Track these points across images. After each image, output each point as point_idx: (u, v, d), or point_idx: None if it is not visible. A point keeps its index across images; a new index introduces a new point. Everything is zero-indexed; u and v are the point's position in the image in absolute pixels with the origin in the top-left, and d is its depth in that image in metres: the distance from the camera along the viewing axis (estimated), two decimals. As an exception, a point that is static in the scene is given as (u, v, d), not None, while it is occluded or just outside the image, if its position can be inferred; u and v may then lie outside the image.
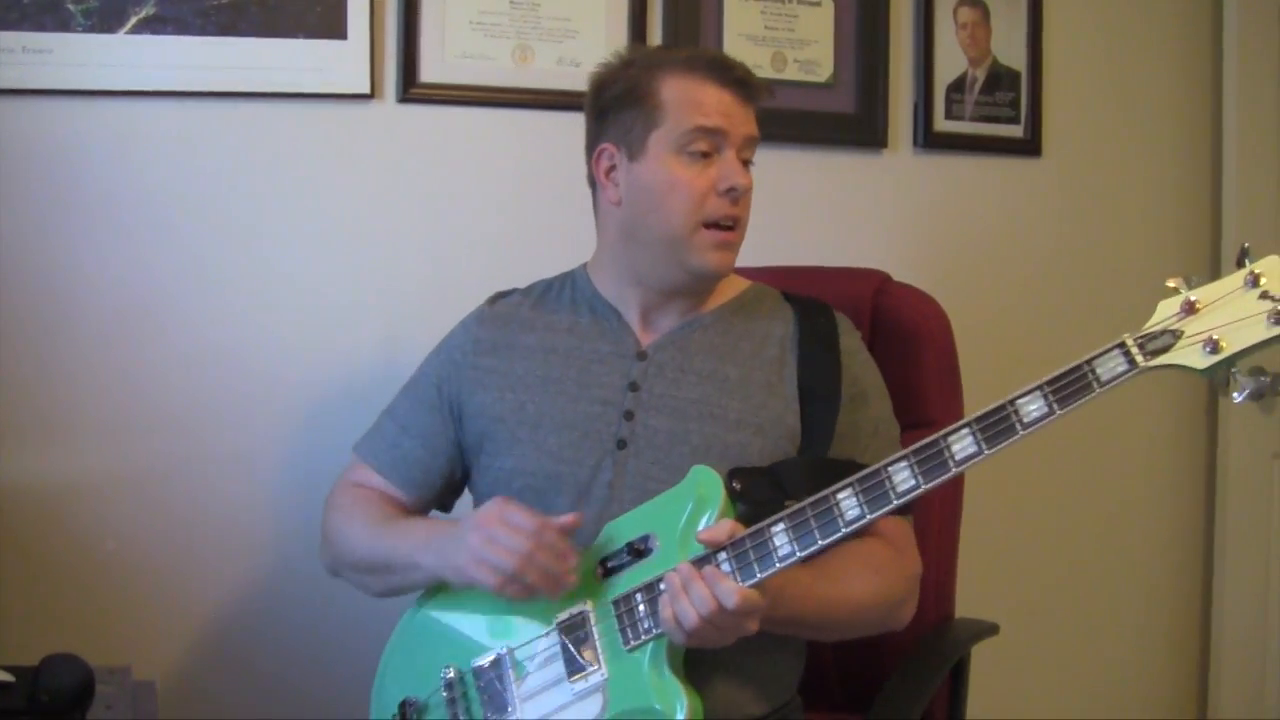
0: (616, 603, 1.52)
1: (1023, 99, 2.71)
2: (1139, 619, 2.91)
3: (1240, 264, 1.31)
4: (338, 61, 2.24)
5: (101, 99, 2.13)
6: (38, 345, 2.13)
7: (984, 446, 1.38)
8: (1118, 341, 1.34)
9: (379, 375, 2.25)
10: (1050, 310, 2.70)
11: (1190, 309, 1.31)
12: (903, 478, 1.41)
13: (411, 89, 2.29)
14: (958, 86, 2.66)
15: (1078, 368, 1.35)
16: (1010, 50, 2.70)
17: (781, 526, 1.45)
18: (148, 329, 2.18)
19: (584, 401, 1.70)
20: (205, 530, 2.22)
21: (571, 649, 1.54)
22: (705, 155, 1.66)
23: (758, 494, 1.58)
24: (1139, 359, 1.32)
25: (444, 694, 1.61)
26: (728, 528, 1.47)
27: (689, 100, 1.65)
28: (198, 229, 2.20)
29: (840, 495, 1.45)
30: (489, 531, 1.52)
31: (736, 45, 2.46)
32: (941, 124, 2.64)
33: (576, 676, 1.53)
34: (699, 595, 1.42)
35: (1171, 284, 1.34)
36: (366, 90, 2.26)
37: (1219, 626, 2.85)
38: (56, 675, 1.60)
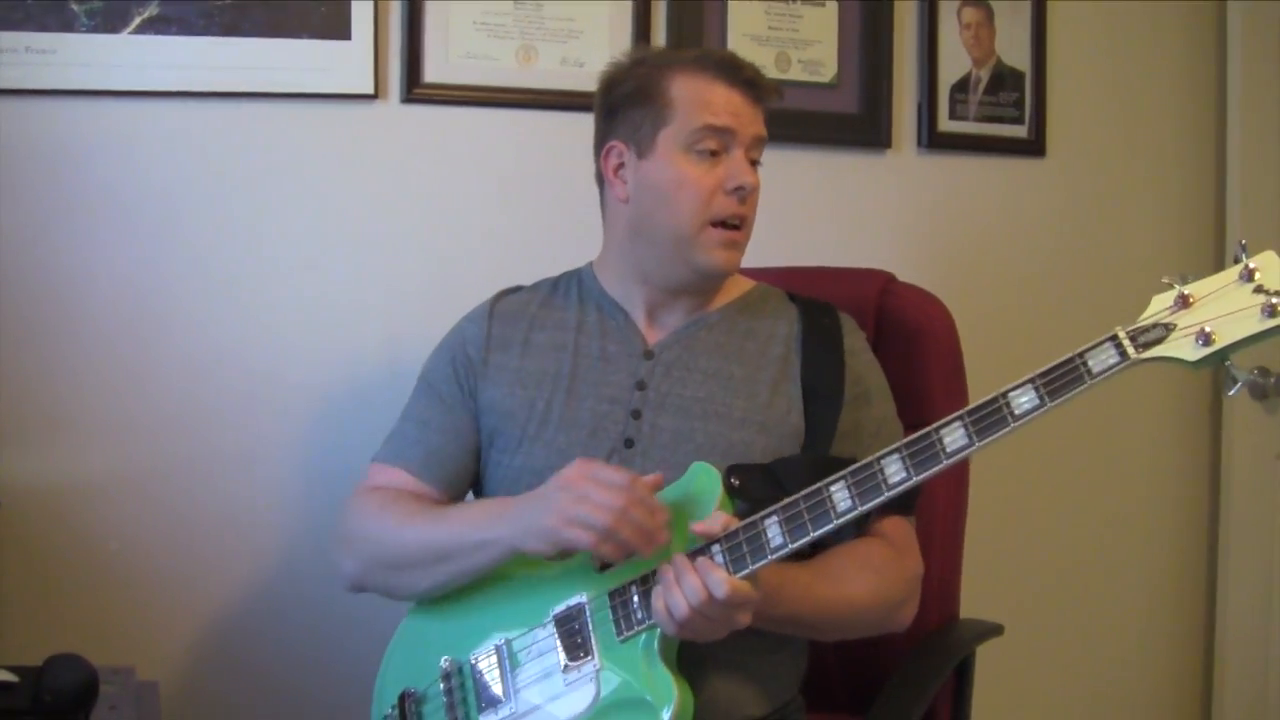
0: (612, 594, 1.53)
1: (1027, 99, 2.71)
2: (1143, 620, 2.90)
3: (1236, 259, 1.31)
4: (341, 62, 2.23)
5: (105, 99, 2.13)
6: (41, 345, 2.13)
7: (975, 439, 1.38)
8: (1109, 334, 1.34)
9: (382, 375, 2.25)
10: (1054, 310, 2.70)
11: (1184, 302, 1.32)
12: (894, 470, 1.42)
13: (415, 89, 2.29)
14: (962, 87, 2.65)
15: (1069, 360, 1.35)
16: (1014, 50, 2.70)
17: (774, 519, 1.46)
18: (151, 329, 2.18)
19: (593, 400, 1.71)
20: (209, 530, 2.21)
21: (566, 640, 1.54)
22: (713, 154, 1.67)
23: (756, 490, 1.58)
24: (1130, 351, 1.32)
25: (441, 685, 1.62)
26: (721, 520, 1.48)
27: (698, 99, 1.67)
28: (201, 229, 2.20)
29: (832, 488, 1.46)
30: (579, 490, 1.48)
31: (740, 45, 2.45)
32: (945, 124, 2.64)
33: (570, 667, 1.53)
34: (690, 585, 1.43)
35: (1166, 279, 1.34)
36: (370, 90, 2.26)
37: (1223, 627, 2.85)
38: (60, 676, 1.60)
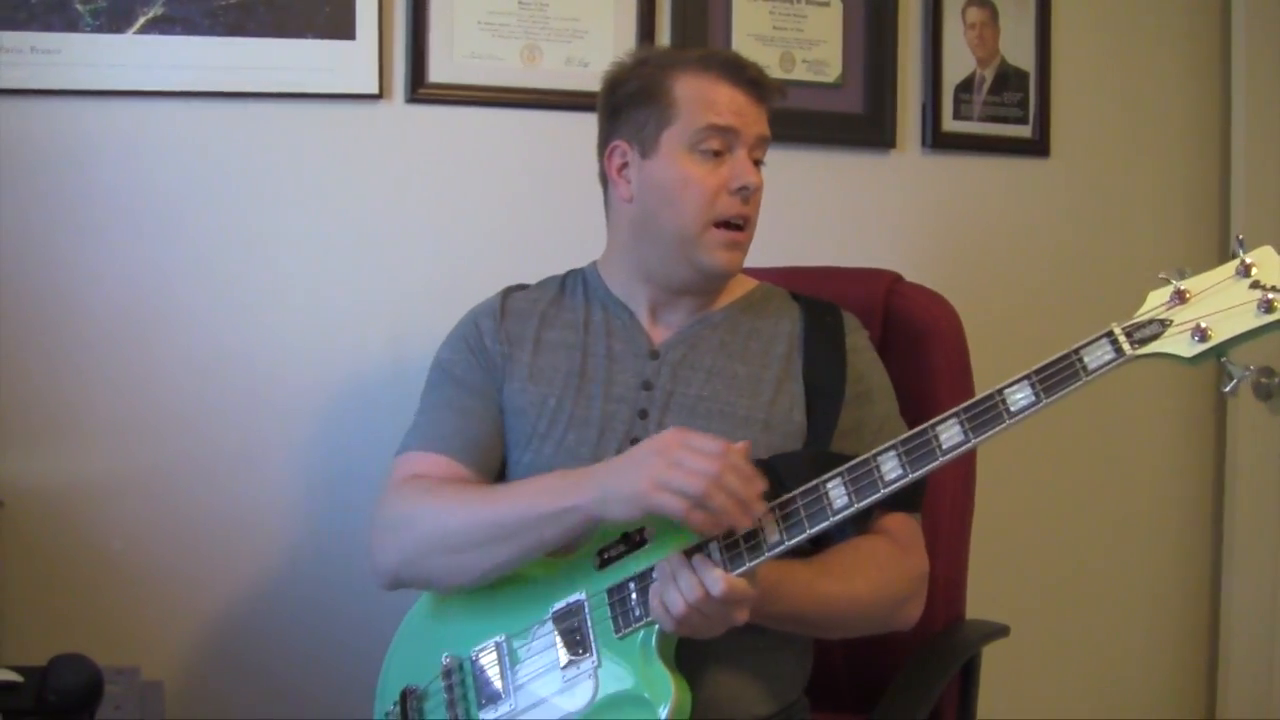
0: (610, 591, 1.53)
1: (1031, 99, 2.71)
2: (1148, 620, 2.90)
3: (1233, 254, 1.30)
4: (346, 62, 2.24)
5: (109, 99, 2.14)
6: (46, 345, 2.13)
7: (971, 435, 1.38)
8: (1105, 330, 1.34)
9: (387, 375, 2.25)
10: (1059, 310, 2.69)
11: (1180, 298, 1.32)
12: (890, 466, 1.42)
13: (420, 89, 2.29)
14: (966, 87, 2.65)
15: (1065, 356, 1.35)
16: (1019, 50, 2.70)
17: (771, 516, 1.46)
18: (156, 328, 2.18)
19: (602, 399, 1.71)
20: (213, 530, 2.22)
21: (566, 637, 1.55)
22: (717, 154, 1.67)
23: None
24: (1126, 347, 1.32)
25: (442, 682, 1.63)
26: None
27: (702, 99, 1.67)
28: (205, 229, 2.20)
29: (829, 485, 1.46)
30: (674, 455, 1.43)
31: (745, 45, 2.45)
32: (950, 124, 2.64)
33: (569, 663, 1.54)
34: (686, 582, 1.43)
35: (1163, 275, 1.33)
36: (375, 90, 2.26)
37: (1228, 628, 2.84)
38: (64, 676, 1.60)
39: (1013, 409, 1.36)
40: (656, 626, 1.49)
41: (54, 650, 1.67)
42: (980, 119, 2.67)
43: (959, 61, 2.65)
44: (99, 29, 2.11)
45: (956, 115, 2.64)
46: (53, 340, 2.13)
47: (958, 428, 1.39)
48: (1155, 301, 1.34)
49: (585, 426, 1.70)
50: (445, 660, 1.63)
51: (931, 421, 1.40)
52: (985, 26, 2.67)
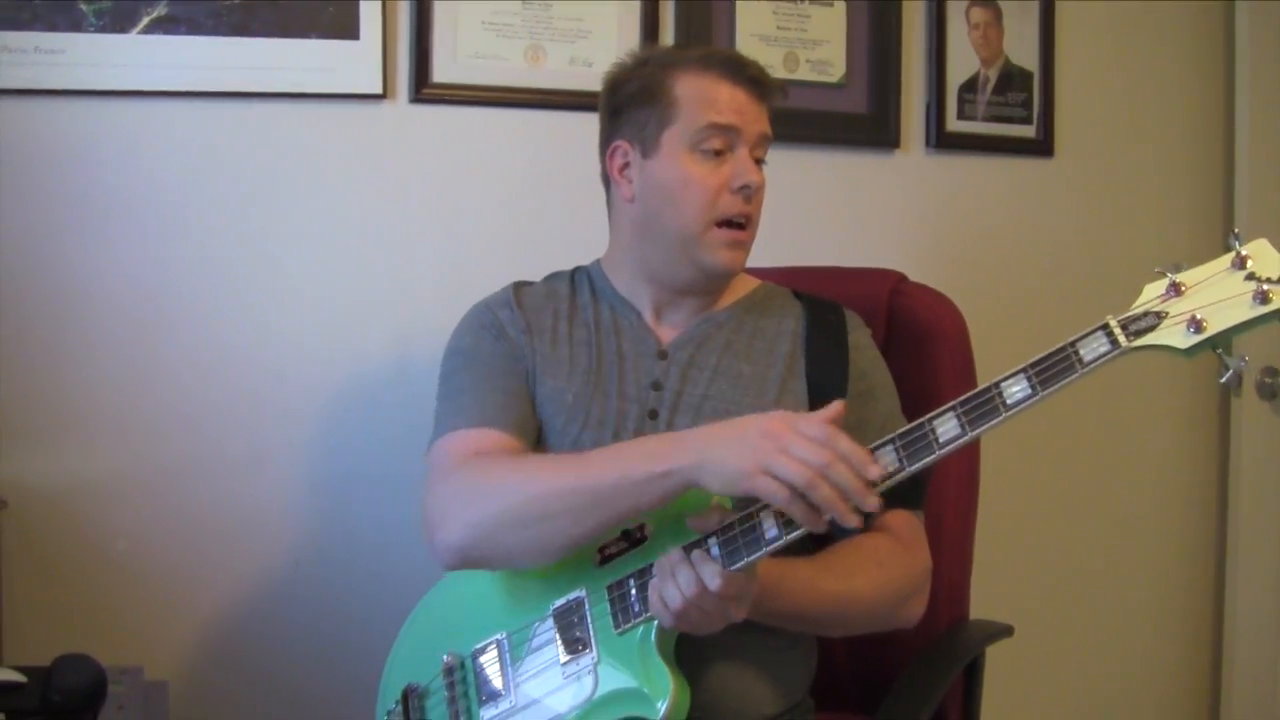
0: (610, 588, 1.53)
1: (1035, 99, 2.71)
2: (1152, 621, 2.90)
3: (1229, 246, 1.31)
4: (350, 62, 2.24)
5: (113, 99, 2.14)
6: (50, 345, 2.13)
7: (967, 428, 1.37)
8: (1101, 323, 1.34)
9: (391, 374, 2.26)
10: (1063, 309, 2.69)
11: (1176, 290, 1.31)
12: (887, 461, 1.40)
13: (423, 89, 2.29)
14: (970, 87, 2.65)
15: (1061, 349, 1.34)
16: (1022, 50, 2.70)
17: (769, 512, 1.45)
18: (160, 328, 2.19)
19: (615, 399, 1.71)
20: (217, 529, 2.22)
21: (565, 634, 1.55)
22: (718, 153, 1.67)
23: None
24: (1121, 339, 1.32)
25: (443, 679, 1.63)
26: (717, 514, 1.47)
27: (703, 98, 1.67)
28: (210, 229, 2.21)
29: None
30: (782, 440, 1.37)
31: (749, 45, 2.45)
32: (954, 124, 2.64)
33: (569, 659, 1.54)
34: (685, 577, 1.43)
35: (1159, 269, 1.33)
36: (379, 90, 2.26)
37: (1231, 628, 2.84)
38: (69, 676, 1.61)
39: (1009, 402, 1.36)
40: (655, 622, 1.49)
41: (58, 650, 1.68)
42: (984, 119, 2.67)
43: (963, 61, 2.65)
44: (103, 29, 2.11)
45: (961, 115, 2.64)
46: (57, 340, 2.14)
47: (954, 421, 1.38)
48: (1151, 294, 1.33)
49: (600, 427, 1.69)
50: (446, 659, 1.63)
51: (928, 415, 1.40)
52: (989, 26, 2.67)
